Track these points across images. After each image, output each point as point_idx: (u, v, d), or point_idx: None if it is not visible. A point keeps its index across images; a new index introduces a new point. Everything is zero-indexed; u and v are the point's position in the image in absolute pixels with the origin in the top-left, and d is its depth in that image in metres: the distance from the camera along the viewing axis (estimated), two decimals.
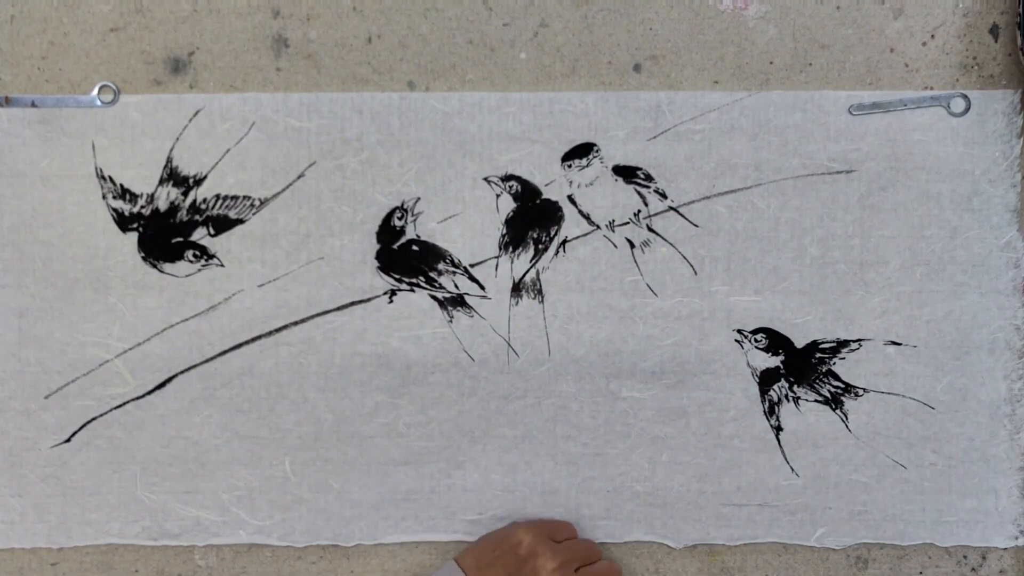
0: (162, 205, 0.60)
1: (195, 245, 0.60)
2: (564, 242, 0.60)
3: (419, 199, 0.60)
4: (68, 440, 0.60)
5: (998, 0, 0.60)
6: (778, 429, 0.60)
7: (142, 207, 0.60)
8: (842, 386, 0.60)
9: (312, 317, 0.60)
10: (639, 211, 0.60)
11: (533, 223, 0.60)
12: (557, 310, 0.60)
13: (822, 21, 0.60)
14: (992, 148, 0.60)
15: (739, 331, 0.60)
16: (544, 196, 0.60)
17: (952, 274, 0.60)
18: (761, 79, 0.60)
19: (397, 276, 0.60)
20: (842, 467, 0.60)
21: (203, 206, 0.60)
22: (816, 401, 0.60)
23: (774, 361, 0.60)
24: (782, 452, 0.60)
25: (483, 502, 0.61)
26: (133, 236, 0.60)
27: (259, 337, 0.60)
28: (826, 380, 0.60)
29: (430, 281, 0.60)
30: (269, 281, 0.60)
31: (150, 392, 0.60)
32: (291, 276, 0.60)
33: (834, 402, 0.60)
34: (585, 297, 0.60)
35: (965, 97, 0.60)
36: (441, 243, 0.60)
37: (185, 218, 0.60)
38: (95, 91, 0.60)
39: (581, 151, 0.60)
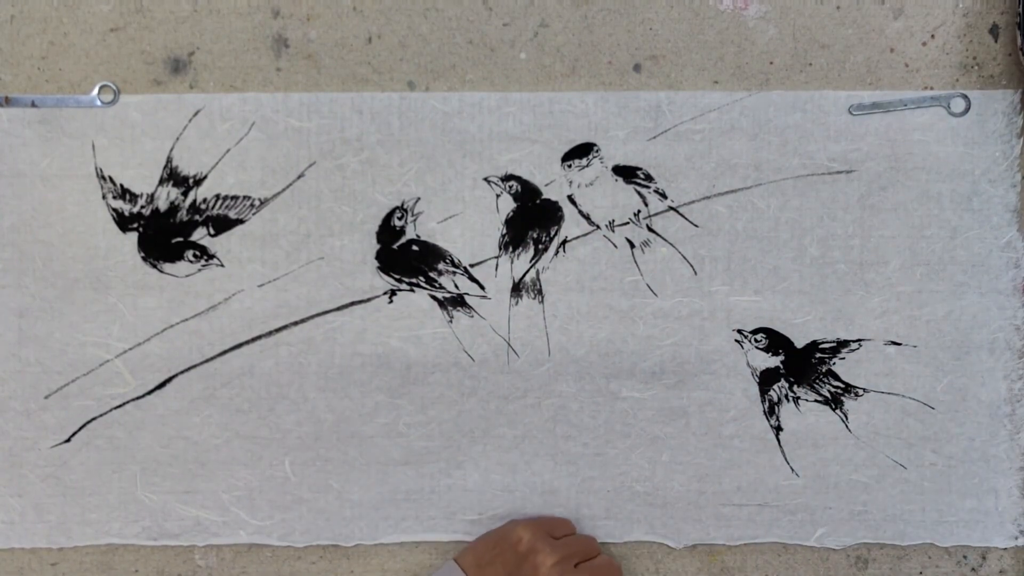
0: (162, 205, 0.60)
1: (195, 245, 0.60)
2: (564, 242, 0.60)
3: (419, 199, 0.60)
4: (68, 440, 0.60)
5: (998, 0, 0.60)
6: (778, 429, 0.60)
7: (142, 207, 0.60)
8: (842, 386, 0.60)
9: (312, 317, 0.60)
10: (639, 211, 0.60)
11: (533, 223, 0.60)
12: (557, 310, 0.60)
13: (822, 21, 0.60)
14: (992, 148, 0.60)
15: (739, 331, 0.60)
16: (544, 196, 0.60)
17: (952, 274, 0.60)
18: (761, 79, 0.60)
19: (397, 276, 0.60)
20: (842, 467, 0.60)
21: (203, 206, 0.60)
22: (816, 401, 0.60)
23: (774, 361, 0.60)
24: (782, 452, 0.60)
25: (483, 502, 0.61)
26: (133, 236, 0.60)
27: (259, 337, 0.60)
28: (826, 380, 0.60)
29: (430, 281, 0.60)
30: (269, 281, 0.60)
31: (150, 392, 0.60)
32: (291, 276, 0.60)
33: (834, 402, 0.60)
34: (585, 297, 0.60)
35: (965, 97, 0.60)
36: (441, 243, 0.60)
37: (185, 218, 0.60)
38: (95, 91, 0.60)
39: (581, 151, 0.60)
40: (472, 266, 0.60)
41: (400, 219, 0.60)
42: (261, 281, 0.60)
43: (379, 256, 0.60)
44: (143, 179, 0.60)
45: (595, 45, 0.60)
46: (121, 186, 0.60)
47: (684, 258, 0.60)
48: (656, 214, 0.60)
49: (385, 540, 0.61)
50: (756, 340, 0.60)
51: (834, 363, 0.60)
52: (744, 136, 0.60)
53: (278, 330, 0.60)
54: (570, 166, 0.60)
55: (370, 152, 0.60)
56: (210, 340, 0.60)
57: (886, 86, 0.60)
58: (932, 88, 0.60)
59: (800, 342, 0.60)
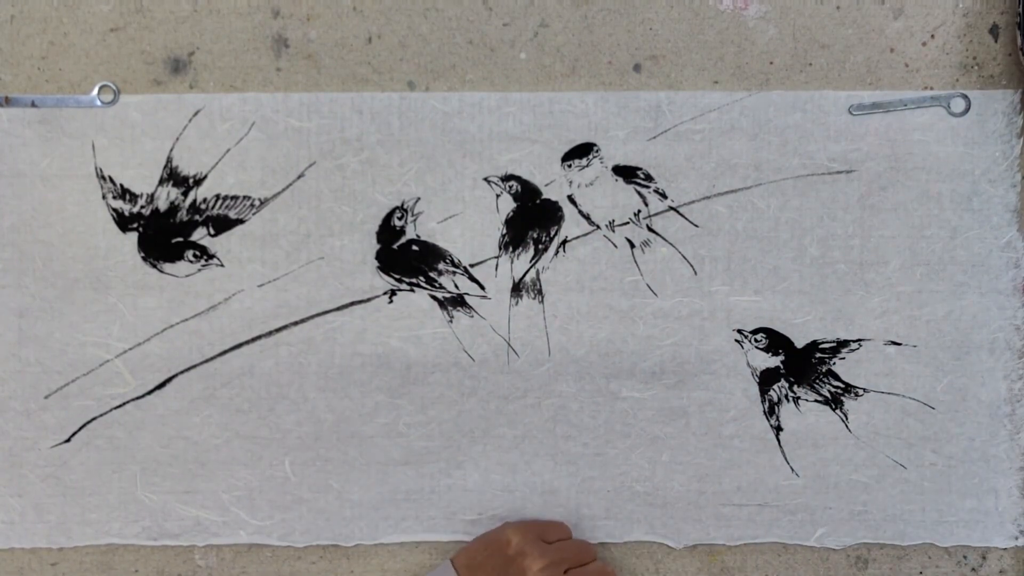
0: (162, 205, 0.60)
1: (195, 245, 0.60)
2: (564, 242, 0.60)
3: (419, 199, 0.60)
4: (68, 440, 0.60)
5: (998, 0, 0.60)
6: (778, 429, 0.60)
7: (142, 207, 0.60)
8: (842, 386, 0.60)
9: (312, 317, 0.60)
10: (639, 211, 0.60)
11: (533, 223, 0.60)
12: (557, 310, 0.60)
13: (822, 21, 0.60)
14: (992, 148, 0.60)
15: (739, 331, 0.60)
16: (544, 196, 0.60)
17: (952, 274, 0.60)
18: (761, 79, 0.60)
19: (397, 276, 0.60)
20: (842, 467, 0.60)
21: (203, 206, 0.60)
22: (816, 401, 0.60)
23: (774, 361, 0.60)
24: (782, 452, 0.60)
25: (483, 502, 0.61)
26: (133, 236, 0.60)
27: (259, 337, 0.60)
28: (826, 380, 0.60)
29: (430, 281, 0.60)
30: (269, 281, 0.60)
31: (150, 392, 0.60)
32: (291, 276, 0.60)
33: (834, 402, 0.60)
34: (585, 297, 0.60)
35: (965, 97, 0.60)
36: (441, 243, 0.60)
37: (185, 218, 0.60)
38: (95, 91, 0.60)
39: (581, 151, 0.60)
40: (472, 266, 0.60)
41: (400, 219, 0.60)
42: (261, 281, 0.60)
43: (379, 256, 0.60)
44: (143, 179, 0.60)
45: (595, 45, 0.60)
46: (121, 186, 0.60)
47: (684, 258, 0.60)
48: (656, 214, 0.60)
49: (385, 540, 0.61)
50: (756, 340, 0.60)
51: (834, 363, 0.60)
52: (744, 136, 0.60)
53: (278, 330, 0.60)
54: (570, 166, 0.60)
55: (370, 152, 0.60)
56: (210, 340, 0.60)
57: (886, 86, 0.60)
58: (932, 88, 0.60)
59: (800, 342, 0.60)
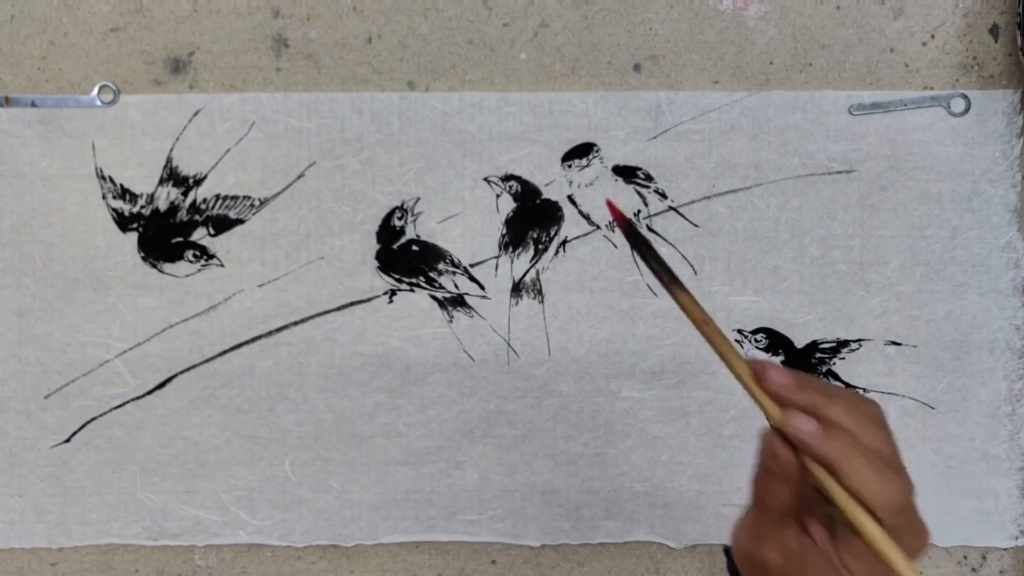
0: (162, 205, 0.60)
1: (195, 245, 0.60)
2: (564, 242, 0.60)
3: (419, 199, 0.60)
4: (68, 440, 0.60)
5: (998, 0, 0.60)
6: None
7: (142, 207, 0.60)
8: (842, 386, 0.60)
9: (312, 317, 0.60)
10: (639, 211, 0.60)
11: (533, 223, 0.60)
12: (557, 310, 0.60)
13: (822, 21, 0.60)
14: (992, 148, 0.60)
15: (739, 331, 0.60)
16: (544, 196, 0.60)
17: (952, 274, 0.60)
18: (761, 79, 0.60)
19: (397, 276, 0.60)
20: None
21: (203, 206, 0.60)
22: None
23: (774, 361, 0.60)
24: None
25: (483, 502, 0.61)
26: (133, 236, 0.60)
27: (259, 337, 0.60)
28: (826, 380, 0.60)
29: (430, 281, 0.60)
30: (269, 281, 0.60)
31: (150, 392, 0.60)
32: (291, 276, 0.60)
33: None
34: (585, 297, 0.60)
35: (965, 97, 0.60)
36: (441, 243, 0.60)
37: (185, 218, 0.60)
38: (95, 91, 0.60)
39: (581, 151, 0.60)
40: (472, 266, 0.60)
41: (400, 219, 0.60)
42: (261, 281, 0.60)
43: (379, 256, 0.60)
44: (143, 179, 0.60)
45: (595, 45, 0.60)
46: (121, 186, 0.60)
47: (684, 258, 0.60)
48: (656, 214, 0.60)
49: (385, 540, 0.61)
50: (756, 340, 0.60)
51: (834, 363, 0.60)
52: (744, 136, 0.60)
53: (278, 330, 0.60)
54: (570, 166, 0.60)
55: (370, 152, 0.60)
56: (210, 340, 0.60)
57: (886, 86, 0.60)
58: (932, 88, 0.60)
59: (800, 342, 0.60)
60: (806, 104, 0.60)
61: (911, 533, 0.35)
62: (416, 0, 0.60)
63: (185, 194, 0.60)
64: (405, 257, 0.60)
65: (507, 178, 0.60)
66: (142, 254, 0.60)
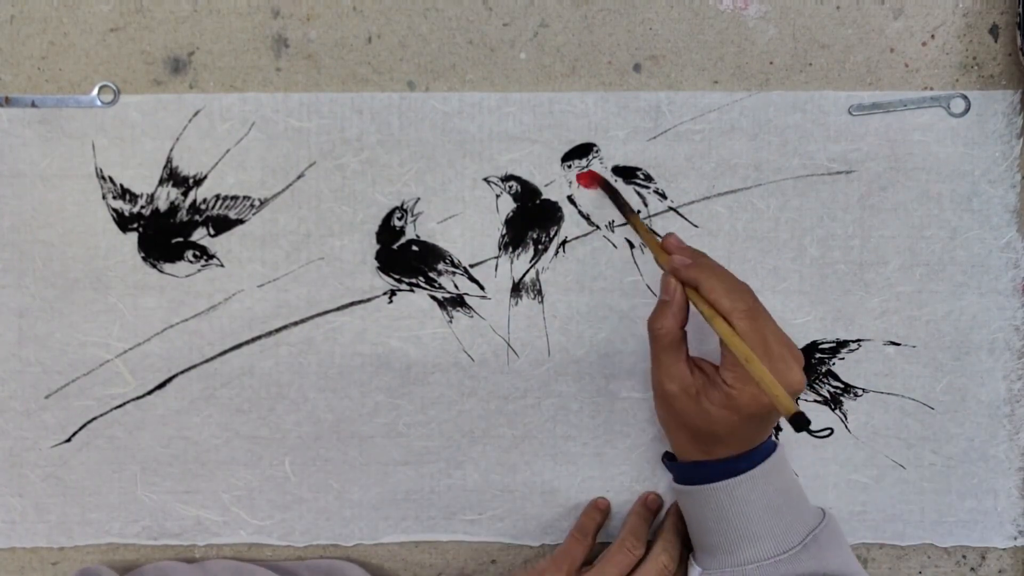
0: (162, 205, 0.60)
1: (195, 245, 0.60)
2: (564, 242, 0.60)
3: (419, 199, 0.60)
4: (68, 440, 0.60)
5: (998, 0, 0.60)
6: (777, 429, 0.60)
7: (142, 207, 0.60)
8: (841, 386, 0.60)
9: (312, 317, 0.60)
10: (639, 211, 0.60)
11: (533, 223, 0.60)
12: (557, 310, 0.60)
13: (822, 21, 0.60)
14: (992, 148, 0.60)
15: None
16: (544, 196, 0.60)
17: (952, 274, 0.60)
18: (761, 79, 0.60)
19: (397, 276, 0.60)
20: (841, 467, 0.60)
21: (203, 206, 0.60)
22: (815, 401, 0.60)
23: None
24: None
25: (483, 502, 0.61)
26: (133, 236, 0.60)
27: (259, 337, 0.60)
28: (825, 380, 0.60)
29: (430, 281, 0.60)
30: (269, 281, 0.60)
31: (150, 392, 0.60)
32: (291, 276, 0.60)
33: (833, 402, 0.60)
34: (585, 297, 0.60)
35: (965, 97, 0.60)
36: (441, 243, 0.60)
37: (185, 218, 0.60)
38: (95, 91, 0.60)
39: (581, 151, 0.60)
40: (472, 266, 0.60)
41: (400, 219, 0.60)
42: (261, 281, 0.60)
43: (379, 256, 0.60)
44: (143, 179, 0.60)
45: (595, 45, 0.60)
46: (121, 186, 0.60)
47: None
48: (656, 214, 0.60)
49: (385, 540, 0.61)
50: None
51: (834, 363, 0.60)
52: (744, 136, 0.60)
53: (278, 330, 0.60)
54: (570, 166, 0.60)
55: (370, 152, 0.60)
56: (210, 340, 0.60)
57: (886, 86, 0.60)
58: (932, 88, 0.60)
59: (800, 342, 0.60)
60: (806, 104, 0.60)
61: (777, 343, 0.48)
62: (416, 0, 0.60)
63: (185, 194, 0.60)
64: (405, 257, 0.60)
65: (507, 178, 0.60)
66: (142, 254, 0.60)
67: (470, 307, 0.60)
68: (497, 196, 0.60)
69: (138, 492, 0.60)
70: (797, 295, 0.60)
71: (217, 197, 0.60)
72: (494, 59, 0.60)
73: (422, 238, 0.60)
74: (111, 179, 0.60)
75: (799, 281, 0.60)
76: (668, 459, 0.57)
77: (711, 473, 0.51)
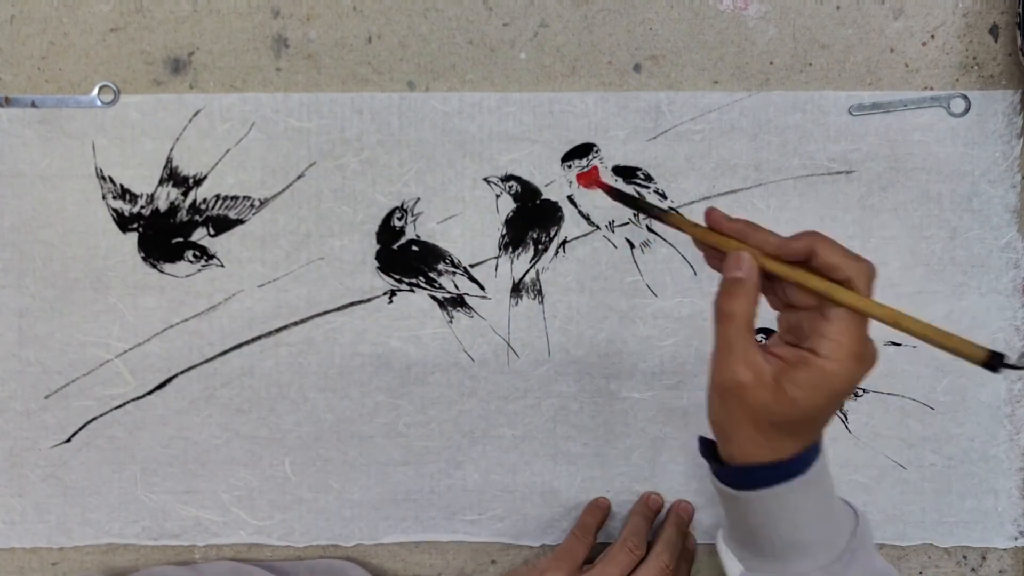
0: (162, 205, 0.60)
1: (195, 245, 0.60)
2: (564, 242, 0.60)
3: (419, 199, 0.60)
4: (68, 440, 0.60)
5: (998, 0, 0.60)
6: None
7: (142, 207, 0.60)
8: None
9: (312, 317, 0.60)
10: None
11: (533, 223, 0.60)
12: (557, 310, 0.60)
13: (822, 21, 0.60)
14: (992, 148, 0.60)
15: None
16: (544, 196, 0.60)
17: (952, 274, 0.60)
18: (761, 79, 0.60)
19: (397, 276, 0.60)
20: (841, 467, 0.60)
21: (203, 206, 0.60)
22: None
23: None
24: None
25: (483, 502, 0.61)
26: (133, 236, 0.60)
27: (259, 337, 0.60)
28: None
29: (430, 281, 0.60)
30: (269, 281, 0.60)
31: (150, 392, 0.60)
32: (291, 276, 0.60)
33: None
34: (585, 297, 0.60)
35: (965, 97, 0.60)
36: (441, 243, 0.60)
37: (185, 218, 0.60)
38: (95, 91, 0.60)
39: (581, 151, 0.60)
40: (472, 266, 0.60)
41: (400, 219, 0.60)
42: (261, 281, 0.60)
43: (379, 256, 0.60)
44: (143, 179, 0.60)
45: (595, 45, 0.60)
46: (121, 186, 0.60)
47: (684, 258, 0.60)
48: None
49: (385, 540, 0.61)
50: (757, 340, 0.60)
51: None
52: (744, 136, 0.60)
53: (278, 330, 0.60)
54: (570, 166, 0.60)
55: (370, 152, 0.60)
56: (210, 340, 0.60)
57: (886, 86, 0.60)
58: (932, 88, 0.60)
59: None
60: (806, 104, 0.60)
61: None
62: (416, 0, 0.60)
63: (185, 194, 0.60)
64: (405, 257, 0.60)
65: (507, 178, 0.60)
66: (142, 254, 0.60)
67: (470, 307, 0.60)
68: (497, 196, 0.60)
69: (138, 492, 0.60)
70: None
71: (217, 197, 0.60)
72: (494, 59, 0.60)
73: (422, 238, 0.60)
74: (111, 179, 0.60)
75: None
76: (708, 454, 0.49)
77: (761, 477, 0.45)
